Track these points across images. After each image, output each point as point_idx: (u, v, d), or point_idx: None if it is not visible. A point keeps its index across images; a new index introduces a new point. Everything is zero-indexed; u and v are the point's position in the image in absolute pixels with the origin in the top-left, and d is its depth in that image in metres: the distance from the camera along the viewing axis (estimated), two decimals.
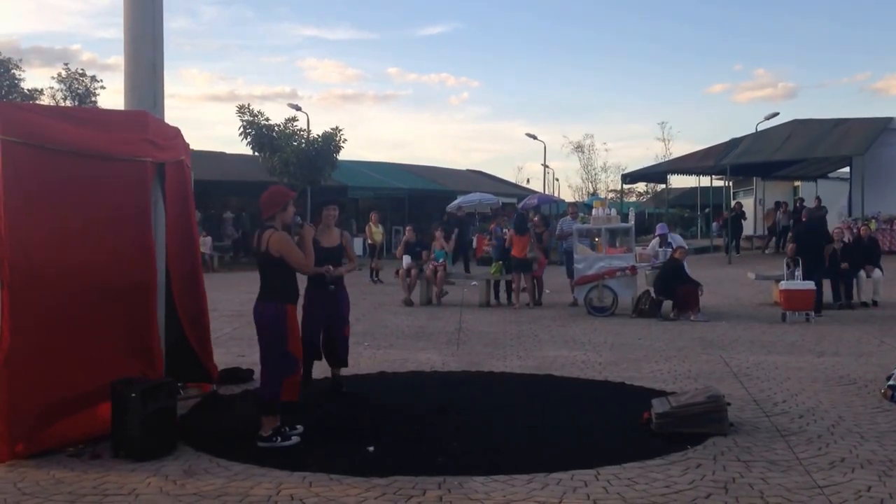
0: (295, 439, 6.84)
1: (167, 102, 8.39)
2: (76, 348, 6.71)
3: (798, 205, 30.67)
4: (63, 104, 36.52)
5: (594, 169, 75.42)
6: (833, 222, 26.80)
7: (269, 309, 6.86)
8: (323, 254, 8.02)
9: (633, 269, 15.29)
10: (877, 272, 16.42)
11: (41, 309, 6.52)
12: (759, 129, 35.08)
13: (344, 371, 8.86)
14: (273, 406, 6.80)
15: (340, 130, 34.16)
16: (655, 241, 17.34)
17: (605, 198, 46.12)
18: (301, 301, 7.52)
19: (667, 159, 52.67)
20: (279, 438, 6.77)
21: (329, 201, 8.55)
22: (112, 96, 52.28)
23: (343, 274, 8.50)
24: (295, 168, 33.22)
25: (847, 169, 31.70)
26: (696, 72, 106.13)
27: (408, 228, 19.13)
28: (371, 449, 6.56)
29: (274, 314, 6.83)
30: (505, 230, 18.71)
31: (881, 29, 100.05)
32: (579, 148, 74.44)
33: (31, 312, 6.47)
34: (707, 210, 46.98)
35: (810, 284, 14.37)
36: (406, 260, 17.79)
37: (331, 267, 8.14)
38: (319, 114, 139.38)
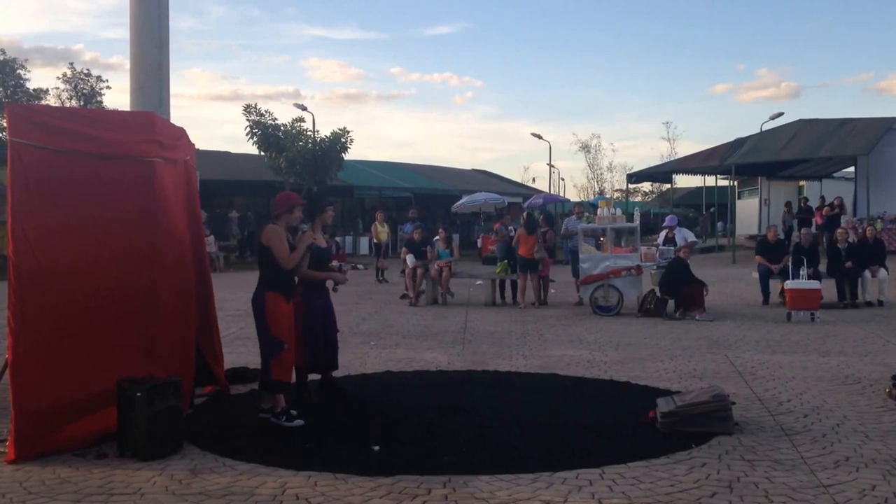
0: (298, 422, 7.27)
1: (170, 102, 8.42)
2: (84, 349, 6.71)
3: (802, 204, 30.65)
4: (68, 104, 36.59)
5: (600, 168, 75.53)
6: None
7: (255, 295, 7.48)
8: (323, 254, 8.33)
9: (639, 268, 15.28)
10: (882, 272, 16.38)
11: (48, 309, 6.54)
12: (764, 129, 35.07)
13: (349, 370, 8.90)
14: (269, 385, 7.39)
15: (349, 132, 34.22)
16: (664, 231, 17.32)
17: (611, 197, 46.11)
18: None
19: (672, 159, 52.68)
20: (284, 418, 7.29)
21: (331, 202, 8.66)
22: (117, 96, 52.46)
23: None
24: (301, 168, 33.28)
25: (852, 169, 31.66)
26: (699, 71, 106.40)
27: (416, 230, 19.14)
28: (376, 448, 6.57)
29: (255, 299, 7.46)
30: (510, 228, 18.70)
31: (884, 29, 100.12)
32: (585, 147, 74.56)
33: (38, 313, 6.48)
34: (712, 209, 46.94)
35: (815, 284, 14.39)
36: (410, 259, 17.80)
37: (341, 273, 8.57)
38: (323, 113, 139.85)
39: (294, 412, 7.36)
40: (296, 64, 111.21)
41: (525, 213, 20.36)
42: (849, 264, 16.22)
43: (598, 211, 16.39)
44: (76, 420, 6.63)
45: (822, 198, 31.04)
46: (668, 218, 18.72)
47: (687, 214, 52.47)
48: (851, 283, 16.20)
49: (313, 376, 8.46)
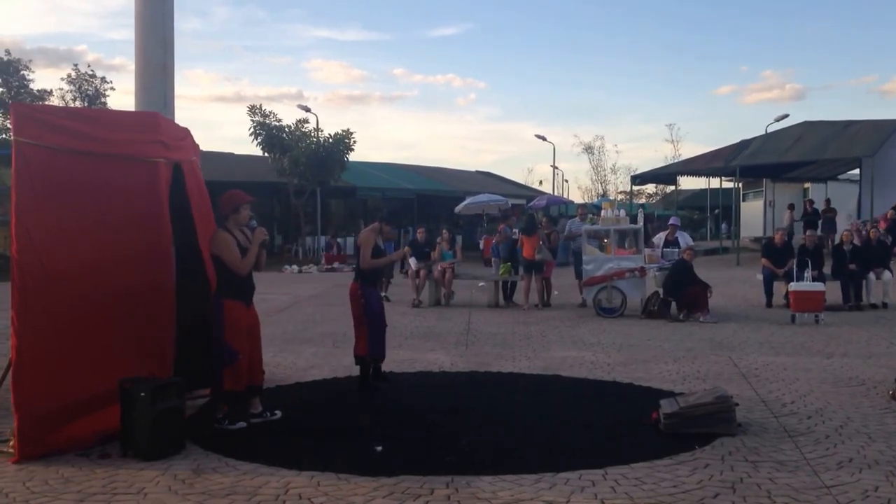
0: (241, 425, 7.26)
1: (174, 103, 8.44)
2: (87, 350, 6.72)
3: (808, 207, 30.63)
4: (73, 105, 36.60)
5: (604, 170, 75.41)
6: (842, 224, 26.78)
7: (212, 302, 7.38)
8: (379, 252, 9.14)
9: (643, 270, 15.26)
10: (886, 274, 16.39)
11: (52, 309, 6.53)
12: (768, 131, 35.03)
13: (352, 371, 9.06)
14: (221, 395, 7.28)
15: (353, 133, 34.30)
16: (663, 234, 17.29)
17: (615, 199, 46.08)
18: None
19: (676, 161, 52.64)
20: (227, 422, 7.24)
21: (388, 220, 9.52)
22: (120, 97, 52.27)
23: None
24: (305, 169, 33.34)
25: (857, 171, 31.64)
26: (703, 73, 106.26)
27: (420, 230, 19.14)
28: (379, 448, 6.58)
29: (213, 307, 7.33)
30: (514, 230, 18.73)
31: (888, 31, 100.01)
32: (589, 149, 74.47)
33: (41, 314, 6.48)
34: (717, 211, 46.92)
35: (820, 286, 14.39)
36: (413, 261, 17.78)
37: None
38: (326, 114, 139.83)
39: (233, 417, 7.33)
40: (299, 65, 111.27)
41: (525, 215, 20.43)
42: (852, 266, 16.21)
43: (602, 212, 16.38)
44: (79, 420, 6.64)
45: (828, 200, 31.01)
46: (672, 218, 18.70)
47: (692, 216, 52.45)
48: (856, 286, 16.19)
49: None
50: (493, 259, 20.51)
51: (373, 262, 8.97)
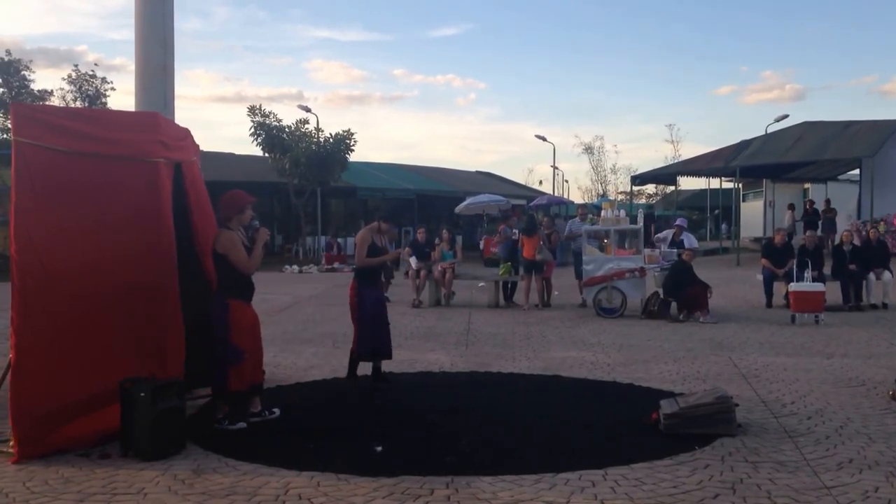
0: (241, 425, 7.25)
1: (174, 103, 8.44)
2: (87, 350, 6.71)
3: (808, 207, 30.64)
4: (73, 105, 36.55)
5: (604, 170, 75.48)
6: (843, 224, 26.80)
7: (215, 302, 7.33)
8: (381, 251, 9.20)
9: (643, 270, 15.26)
10: (886, 274, 16.37)
11: (52, 310, 6.53)
12: (768, 131, 35.03)
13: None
14: (226, 396, 7.28)
15: (353, 133, 34.33)
16: (669, 231, 17.27)
17: (615, 199, 46.09)
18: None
19: (676, 161, 52.65)
20: (227, 422, 7.23)
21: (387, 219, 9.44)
22: (121, 97, 52.22)
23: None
24: (305, 169, 33.36)
25: (857, 171, 31.66)
26: (703, 73, 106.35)
27: (420, 230, 19.15)
28: (379, 448, 6.57)
29: (217, 307, 7.29)
30: (514, 230, 18.74)
31: (888, 32, 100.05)
32: (589, 149, 74.53)
33: (41, 314, 6.48)
34: (717, 212, 46.89)
35: (820, 286, 14.38)
36: (413, 261, 17.80)
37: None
38: (326, 115, 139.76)
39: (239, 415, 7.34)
40: (299, 66, 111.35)
41: (526, 216, 20.43)
42: (852, 266, 16.20)
43: (602, 213, 16.38)
44: (79, 420, 6.62)
45: (828, 200, 31.02)
46: (679, 219, 18.70)
47: (691, 217, 52.46)
48: (856, 286, 16.18)
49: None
50: (502, 260, 20.45)
51: (367, 261, 9.02)
